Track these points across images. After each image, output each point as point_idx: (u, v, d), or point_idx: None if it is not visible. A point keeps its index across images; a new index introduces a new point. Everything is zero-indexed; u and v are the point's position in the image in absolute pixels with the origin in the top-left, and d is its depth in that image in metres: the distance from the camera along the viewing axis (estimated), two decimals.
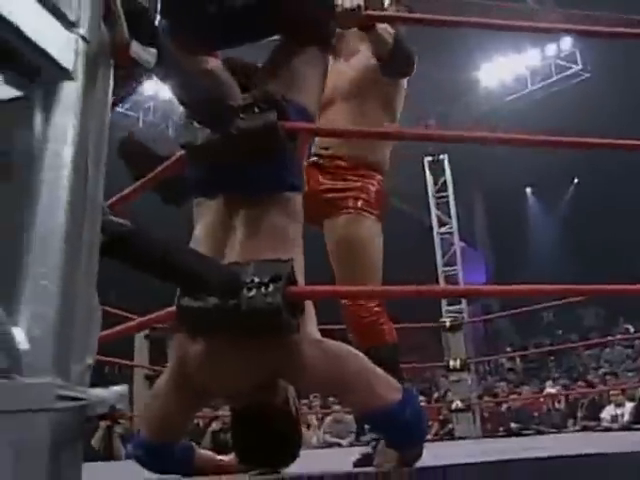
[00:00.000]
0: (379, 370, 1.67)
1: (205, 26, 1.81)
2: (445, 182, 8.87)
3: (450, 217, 8.94)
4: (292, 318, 1.58)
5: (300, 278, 1.70)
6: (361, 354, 1.70)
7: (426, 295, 2.67)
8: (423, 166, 9.01)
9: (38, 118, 0.89)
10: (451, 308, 8.58)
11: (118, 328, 2.02)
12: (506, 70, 12.90)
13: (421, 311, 7.71)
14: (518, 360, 13.57)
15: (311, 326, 1.73)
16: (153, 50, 1.19)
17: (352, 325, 2.38)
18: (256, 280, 1.54)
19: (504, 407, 8.77)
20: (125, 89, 1.19)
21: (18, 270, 0.83)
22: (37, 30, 0.83)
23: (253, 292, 1.54)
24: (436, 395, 10.13)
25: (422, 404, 10.42)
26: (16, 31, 0.80)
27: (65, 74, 0.88)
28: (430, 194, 8.89)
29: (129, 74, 1.17)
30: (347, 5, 2.01)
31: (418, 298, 2.02)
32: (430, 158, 9.02)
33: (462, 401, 6.51)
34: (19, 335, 0.76)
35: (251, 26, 1.87)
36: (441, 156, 8.95)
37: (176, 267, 1.32)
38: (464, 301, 8.68)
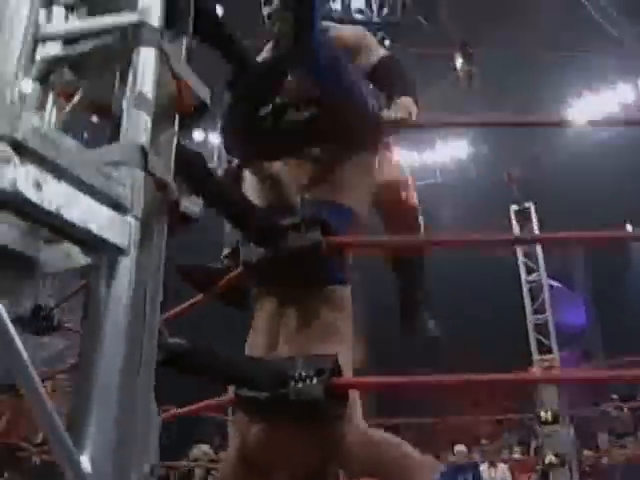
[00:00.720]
0: (418, 455, 1.84)
1: (266, 139, 2.09)
2: (532, 231, 8.74)
3: (539, 265, 8.78)
4: (336, 408, 1.79)
5: (347, 370, 1.90)
6: (402, 442, 1.89)
7: (517, 383, 2.77)
8: (509, 215, 8.94)
9: (102, 283, 1.17)
10: (544, 357, 8.36)
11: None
12: (597, 107, 12.61)
13: (510, 354, 7.62)
14: (625, 409, 12.80)
15: (357, 415, 1.92)
16: (199, 201, 1.47)
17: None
18: (303, 374, 1.77)
19: (608, 462, 8.34)
20: (177, 231, 1.48)
21: (83, 398, 1.10)
22: (98, 224, 1.11)
23: (300, 385, 1.77)
24: (534, 444, 9.75)
25: (517, 456, 10.10)
26: (81, 230, 1.08)
27: (120, 251, 1.16)
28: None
29: (179, 222, 1.45)
30: (395, 116, 2.19)
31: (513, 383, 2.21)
32: (516, 207, 8.95)
33: (556, 456, 6.27)
34: (85, 462, 1.02)
35: (309, 137, 2.12)
36: (527, 204, 8.86)
37: (228, 374, 1.59)
38: (556, 348, 8.45)
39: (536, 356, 8.40)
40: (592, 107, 12.55)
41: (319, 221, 1.89)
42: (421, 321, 2.59)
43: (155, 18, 1.35)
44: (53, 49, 1.36)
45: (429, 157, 13.15)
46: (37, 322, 3.88)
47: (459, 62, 5.99)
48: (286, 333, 2.00)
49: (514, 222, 8.97)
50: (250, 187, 2.23)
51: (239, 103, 1.93)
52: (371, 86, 2.21)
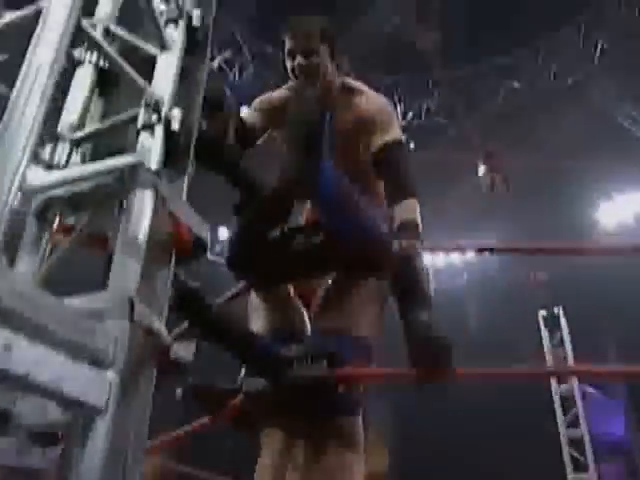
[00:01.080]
0: None
1: (274, 264, 2.03)
2: (562, 337, 8.49)
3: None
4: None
5: None
6: None
7: None
8: (537, 321, 8.72)
9: (76, 445, 1.08)
10: (580, 476, 7.86)
11: None
12: (626, 209, 12.53)
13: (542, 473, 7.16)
14: None
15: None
16: (192, 346, 1.39)
17: None
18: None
19: None
20: (167, 381, 1.40)
21: None
22: (71, 384, 1.03)
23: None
24: None
25: None
26: (53, 392, 1.01)
27: (97, 411, 1.07)
28: (546, 349, 8.51)
29: (170, 368, 1.37)
30: (403, 246, 2.12)
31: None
32: (544, 312, 8.74)
33: None
34: None
35: (318, 263, 2.07)
36: (555, 309, 8.65)
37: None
38: (593, 466, 7.93)
39: (571, 475, 7.90)
40: (621, 210, 12.49)
41: (325, 353, 1.80)
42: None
43: (153, 160, 1.33)
44: (51, 189, 1.34)
45: (455, 257, 13.00)
46: None
47: (482, 169, 6.00)
48: (293, 472, 1.88)
49: (542, 328, 8.72)
50: (257, 309, 2.17)
51: (247, 227, 1.90)
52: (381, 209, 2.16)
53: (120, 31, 1.62)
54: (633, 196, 12.46)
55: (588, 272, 10.61)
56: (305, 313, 2.16)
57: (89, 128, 1.48)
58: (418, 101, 9.42)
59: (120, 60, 1.41)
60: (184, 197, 1.47)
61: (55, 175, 1.32)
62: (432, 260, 11.84)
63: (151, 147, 1.34)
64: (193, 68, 1.53)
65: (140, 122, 1.36)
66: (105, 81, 1.57)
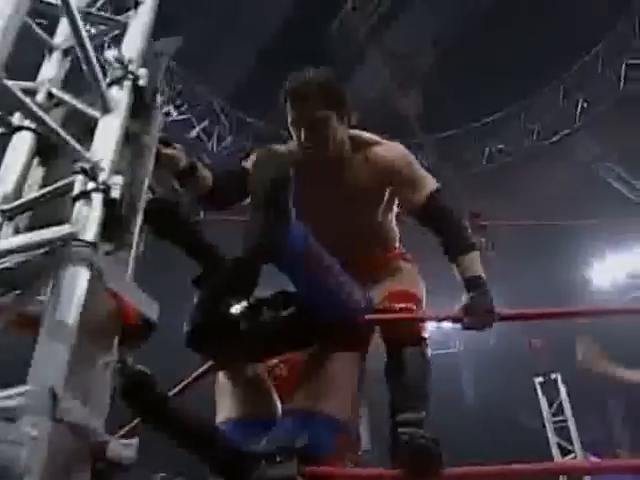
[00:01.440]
0: None
1: (241, 340, 1.86)
2: (561, 403, 8.20)
3: (572, 443, 8.09)
4: None
5: None
6: None
7: None
8: (535, 389, 8.44)
9: None
10: None
11: None
12: (619, 269, 12.44)
13: None
14: None
15: None
16: (134, 444, 1.21)
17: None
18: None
19: None
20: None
21: None
22: None
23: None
24: None
25: None
26: None
27: None
28: (546, 419, 8.19)
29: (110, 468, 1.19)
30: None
31: None
32: (541, 379, 8.47)
33: None
34: None
35: (287, 338, 1.90)
36: (553, 375, 8.39)
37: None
38: None
39: None
40: (615, 268, 12.41)
41: (295, 450, 1.61)
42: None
43: (90, 231, 1.19)
44: None
45: (447, 325, 12.78)
46: None
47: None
48: None
49: (540, 394, 8.43)
50: (223, 392, 1.98)
51: (208, 301, 1.74)
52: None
53: (63, 94, 1.52)
54: (625, 254, 12.40)
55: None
56: (276, 393, 1.98)
57: (24, 198, 1.35)
58: None
59: (54, 124, 1.28)
60: (129, 272, 1.32)
61: None
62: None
63: (88, 217, 1.20)
64: (140, 131, 1.41)
65: (76, 190, 1.22)
66: (46, 147, 1.45)
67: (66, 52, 1.66)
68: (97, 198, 1.22)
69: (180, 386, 2.19)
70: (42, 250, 1.15)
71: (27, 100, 1.20)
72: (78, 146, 1.26)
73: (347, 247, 2.31)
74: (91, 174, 1.22)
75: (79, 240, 1.16)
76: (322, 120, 2.18)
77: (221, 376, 2.00)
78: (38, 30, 1.59)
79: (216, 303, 1.71)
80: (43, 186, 1.37)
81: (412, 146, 9.40)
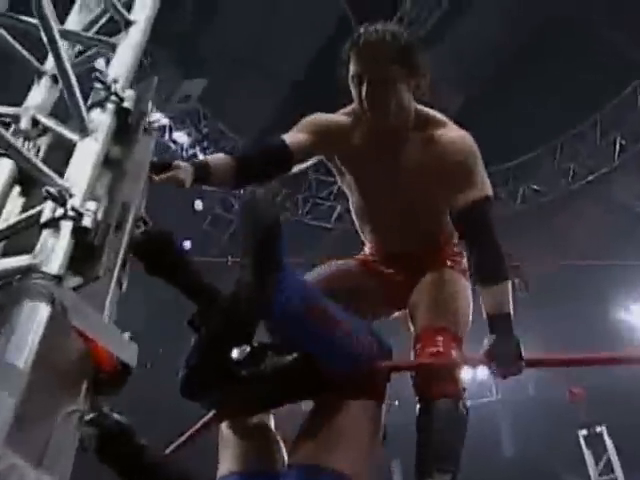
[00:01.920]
0: None
1: (243, 387, 1.69)
2: (609, 460, 7.65)
3: None
4: None
5: None
6: None
7: None
8: (579, 442, 7.91)
9: None
10: None
11: None
12: None
13: None
14: None
15: None
16: None
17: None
18: None
19: None
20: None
21: None
22: None
23: None
24: None
25: None
26: None
27: None
28: (592, 477, 7.64)
29: None
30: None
31: None
32: (585, 432, 7.95)
33: None
34: None
35: (292, 386, 1.73)
36: (598, 428, 7.87)
37: None
38: None
39: None
40: None
41: None
42: None
43: (54, 262, 1.06)
44: None
45: (483, 371, 12.28)
46: None
47: None
48: None
49: (585, 449, 7.92)
50: (226, 442, 1.81)
51: (205, 345, 1.58)
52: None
53: (48, 121, 1.43)
54: None
55: (631, 384, 9.91)
56: (282, 444, 1.79)
57: None
58: None
59: (25, 152, 1.18)
60: (106, 308, 1.18)
61: None
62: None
63: (54, 247, 1.07)
64: (122, 156, 1.29)
65: (43, 217, 1.10)
66: (27, 175, 1.35)
67: (56, 78, 1.58)
68: (66, 226, 1.10)
69: (183, 438, 2.02)
70: None
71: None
72: (48, 171, 1.14)
73: (395, 235, 2.20)
74: (60, 200, 1.10)
75: (40, 272, 1.04)
76: (391, 78, 1.94)
77: (224, 425, 1.83)
78: (27, 55, 1.51)
79: (213, 347, 1.56)
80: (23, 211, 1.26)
81: None
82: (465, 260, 2.09)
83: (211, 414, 1.88)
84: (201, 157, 8.30)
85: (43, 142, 1.43)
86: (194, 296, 1.57)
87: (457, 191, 1.97)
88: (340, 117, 2.14)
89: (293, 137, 2.03)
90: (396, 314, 2.27)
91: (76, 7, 1.58)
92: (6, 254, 1.20)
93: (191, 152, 8.32)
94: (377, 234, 2.26)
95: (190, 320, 1.60)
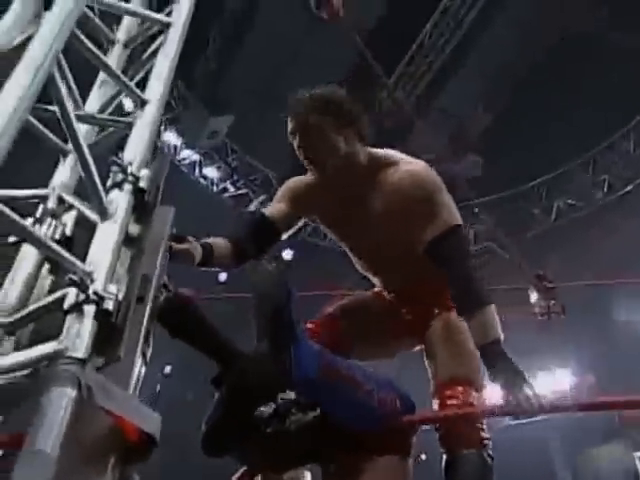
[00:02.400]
0: None
1: (269, 444, 1.73)
2: None
3: None
4: None
5: None
6: None
7: None
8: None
9: None
10: None
11: None
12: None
13: None
14: None
15: None
16: None
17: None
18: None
19: None
20: None
21: None
22: None
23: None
24: None
25: None
26: None
27: None
28: None
29: None
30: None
31: None
32: None
33: None
34: None
35: (315, 440, 1.76)
36: None
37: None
38: None
39: None
40: None
41: None
42: None
43: (80, 347, 1.12)
44: None
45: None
46: None
47: (534, 296, 5.53)
48: None
49: None
50: None
51: (226, 403, 1.63)
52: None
53: (73, 199, 1.51)
54: None
55: None
56: None
57: (24, 311, 1.32)
58: (467, 228, 9.25)
59: (43, 238, 1.26)
60: (131, 383, 1.25)
61: None
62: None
63: (79, 332, 1.14)
64: (141, 233, 1.36)
65: (67, 303, 1.17)
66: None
67: None
68: (89, 310, 1.17)
69: None
70: (25, 371, 1.10)
71: (14, 216, 1.16)
72: (69, 256, 1.22)
73: (390, 275, 2.26)
74: (82, 287, 1.17)
75: (67, 357, 1.10)
76: (314, 126, 2.03)
77: None
78: (51, 135, 1.60)
79: (235, 405, 1.61)
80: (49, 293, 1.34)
81: (473, 208, 9.20)
82: None
83: (243, 469, 1.92)
84: (232, 190, 8.46)
85: (69, 218, 1.52)
86: (216, 357, 1.63)
87: (422, 226, 2.00)
88: (310, 178, 2.19)
89: (272, 208, 2.18)
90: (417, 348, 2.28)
91: (95, 88, 1.68)
92: (35, 335, 1.29)
93: (221, 186, 8.49)
94: (376, 276, 2.33)
95: (213, 379, 1.66)
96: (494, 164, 8.75)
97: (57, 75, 1.32)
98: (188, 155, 7.99)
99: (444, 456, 1.91)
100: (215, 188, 8.35)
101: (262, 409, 1.65)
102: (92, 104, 1.75)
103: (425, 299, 2.17)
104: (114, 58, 1.96)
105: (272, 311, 1.62)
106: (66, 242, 1.50)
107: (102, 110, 1.69)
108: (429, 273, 2.11)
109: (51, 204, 1.54)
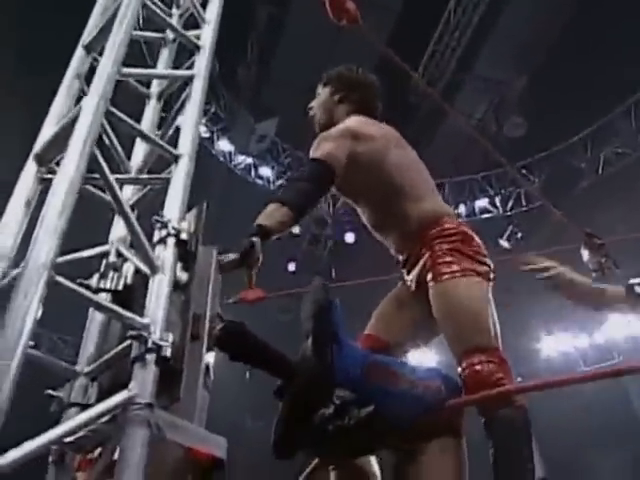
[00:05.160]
0: None
1: (331, 442, 1.89)
2: None
3: None
4: None
5: None
6: None
7: None
8: None
9: None
10: None
11: None
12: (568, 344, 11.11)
13: None
14: None
15: None
16: None
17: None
18: None
19: None
20: None
21: None
22: None
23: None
24: None
25: None
26: None
27: None
28: None
29: None
30: None
31: None
32: None
33: None
34: None
35: (372, 436, 1.89)
36: None
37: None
38: None
39: None
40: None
41: None
42: None
43: (147, 392, 1.31)
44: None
45: (601, 336, 11.40)
46: None
47: (585, 254, 5.41)
48: None
49: None
50: None
51: (290, 411, 1.80)
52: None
53: (128, 252, 1.70)
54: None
55: None
56: None
57: (102, 359, 1.52)
58: (517, 190, 9.08)
59: (98, 300, 1.45)
60: (196, 415, 1.43)
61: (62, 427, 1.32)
62: (576, 342, 10.90)
63: (144, 379, 1.33)
64: (187, 279, 1.54)
65: (132, 354, 1.37)
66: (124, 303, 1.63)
67: (131, 208, 1.87)
68: (150, 359, 1.36)
69: None
70: (105, 418, 1.30)
71: (73, 286, 1.36)
72: (128, 314, 1.41)
73: (384, 235, 2.31)
74: (142, 340, 1.36)
75: (137, 403, 1.30)
76: (317, 94, 2.50)
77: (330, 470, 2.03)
78: (102, 194, 1.79)
79: (297, 413, 1.78)
80: (119, 343, 1.53)
81: (522, 168, 9.00)
82: (459, 239, 2.10)
83: (315, 462, 2.10)
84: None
85: (129, 269, 1.71)
86: (274, 372, 1.81)
87: None
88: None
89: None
90: None
91: (137, 144, 1.88)
92: (114, 378, 1.50)
93: (278, 183, 8.74)
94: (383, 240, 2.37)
95: (275, 391, 1.84)
96: (537, 123, 8.56)
97: (98, 153, 1.51)
98: (242, 160, 8.31)
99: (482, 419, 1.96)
100: (272, 186, 8.63)
101: (323, 410, 1.81)
102: (137, 157, 1.96)
103: (416, 254, 2.16)
104: (150, 110, 2.17)
105: (313, 312, 1.77)
106: (129, 290, 1.71)
107: (144, 166, 1.88)
108: (408, 220, 2.19)
109: (112, 258, 1.74)
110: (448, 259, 2.03)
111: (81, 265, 1.74)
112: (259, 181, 8.61)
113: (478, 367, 1.88)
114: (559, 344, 11.23)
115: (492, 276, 2.10)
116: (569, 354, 11.20)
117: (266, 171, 8.61)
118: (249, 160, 8.44)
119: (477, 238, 2.13)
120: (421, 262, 2.11)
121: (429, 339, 2.27)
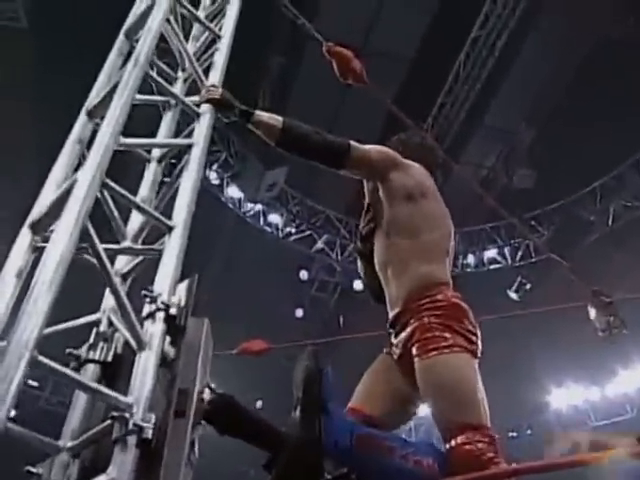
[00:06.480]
0: None
1: None
2: None
3: None
4: None
5: None
6: None
7: None
8: None
9: None
10: None
11: None
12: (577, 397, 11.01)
13: None
14: None
15: None
16: None
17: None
18: None
19: None
20: None
21: None
22: None
23: None
24: None
25: None
26: None
27: None
28: None
29: None
30: None
31: None
32: None
33: None
34: None
35: None
36: None
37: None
38: None
39: None
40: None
41: None
42: None
43: (126, 474, 1.29)
44: None
45: (612, 390, 11.15)
46: None
47: (592, 312, 5.32)
48: None
49: None
50: None
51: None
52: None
53: (118, 323, 1.69)
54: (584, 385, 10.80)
55: None
56: None
57: (85, 435, 1.50)
58: (525, 241, 9.01)
59: (85, 381, 1.44)
60: None
61: None
62: (586, 395, 10.71)
63: (124, 462, 1.31)
64: (175, 354, 1.52)
65: (113, 435, 1.34)
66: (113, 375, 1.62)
67: (124, 276, 1.87)
68: (132, 440, 1.33)
69: None
70: None
71: (55, 366, 1.34)
72: (112, 393, 1.39)
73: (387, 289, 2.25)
74: (123, 421, 1.34)
75: None
76: None
77: None
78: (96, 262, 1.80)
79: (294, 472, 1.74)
80: (103, 420, 1.50)
81: (531, 220, 8.95)
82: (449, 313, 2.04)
83: None
84: (295, 233, 8.76)
85: (120, 339, 1.70)
86: (263, 445, 1.77)
87: None
88: None
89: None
90: None
91: (132, 217, 1.89)
92: (96, 455, 1.47)
93: (286, 231, 8.79)
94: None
95: (264, 465, 1.80)
96: (545, 176, 8.55)
97: (90, 226, 1.51)
98: (251, 207, 8.37)
99: None
100: (280, 233, 8.67)
101: None
102: (133, 224, 1.97)
103: (401, 297, 2.13)
104: (150, 174, 2.18)
105: (303, 382, 1.75)
106: (118, 360, 1.69)
107: (140, 233, 1.89)
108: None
109: (103, 327, 1.74)
110: (437, 333, 1.96)
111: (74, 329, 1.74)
112: (268, 228, 8.64)
113: (468, 446, 1.83)
114: (570, 397, 11.05)
115: (480, 352, 2.05)
116: (579, 407, 11.01)
117: (275, 218, 8.65)
118: (258, 207, 8.48)
119: (469, 311, 2.07)
120: (409, 329, 2.05)
121: (414, 411, 2.20)
